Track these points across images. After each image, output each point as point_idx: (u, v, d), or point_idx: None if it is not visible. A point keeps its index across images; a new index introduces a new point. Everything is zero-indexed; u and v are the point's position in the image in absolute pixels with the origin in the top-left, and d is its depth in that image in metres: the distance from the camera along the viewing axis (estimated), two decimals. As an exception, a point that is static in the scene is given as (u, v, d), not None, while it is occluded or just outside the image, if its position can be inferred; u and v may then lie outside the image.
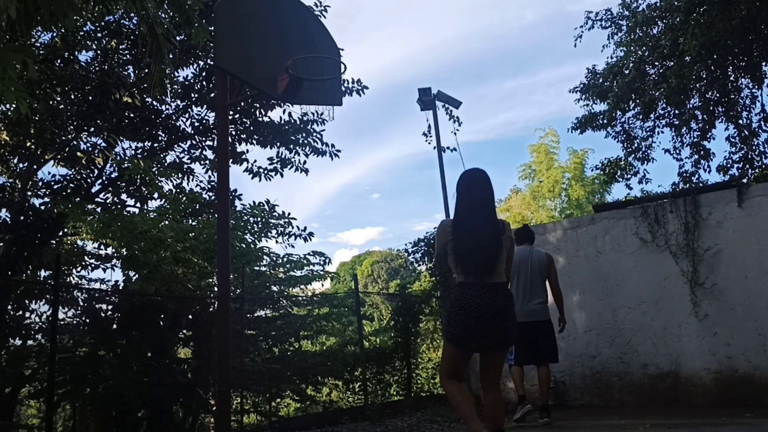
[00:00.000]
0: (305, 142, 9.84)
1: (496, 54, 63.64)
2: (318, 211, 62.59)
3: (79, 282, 8.88)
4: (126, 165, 8.40)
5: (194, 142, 10.26)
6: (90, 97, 8.68)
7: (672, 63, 10.04)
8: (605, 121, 11.96)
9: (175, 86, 9.49)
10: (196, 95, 9.75)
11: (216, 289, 6.02)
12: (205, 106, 9.87)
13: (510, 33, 60.13)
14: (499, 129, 53.74)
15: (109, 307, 6.68)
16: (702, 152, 11.55)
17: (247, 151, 10.03)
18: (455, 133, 10.19)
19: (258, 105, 9.51)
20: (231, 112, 8.02)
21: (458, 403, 3.57)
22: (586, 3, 44.63)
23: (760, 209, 6.59)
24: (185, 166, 10.19)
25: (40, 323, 6.99)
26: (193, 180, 10.23)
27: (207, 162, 10.22)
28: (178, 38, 6.92)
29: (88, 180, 9.65)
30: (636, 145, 12.06)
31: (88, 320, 6.50)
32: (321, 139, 9.89)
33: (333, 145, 9.93)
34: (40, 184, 9.55)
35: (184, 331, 7.18)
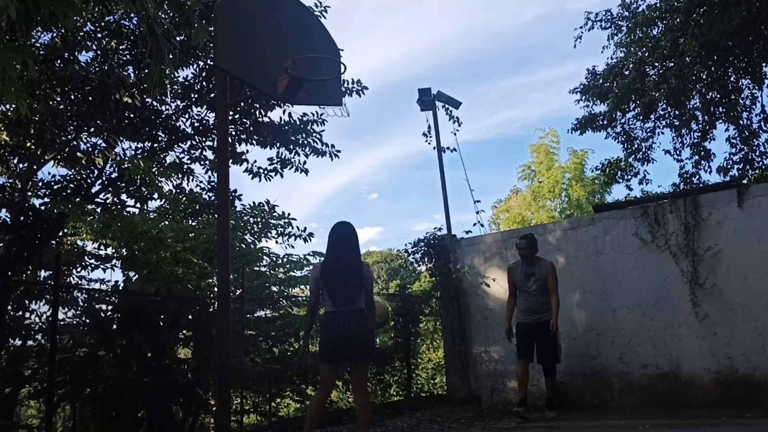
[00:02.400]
0: (305, 142, 9.84)
1: (495, 52, 63.60)
2: (317, 211, 62.51)
3: (79, 282, 8.87)
4: (126, 165, 8.40)
5: (194, 143, 10.26)
6: (90, 98, 8.68)
7: (672, 64, 10.03)
8: (605, 122, 11.95)
9: (175, 86, 9.49)
10: (196, 95, 9.75)
11: (216, 289, 6.02)
12: (205, 107, 9.87)
13: (509, 31, 60.09)
14: (498, 128, 53.72)
15: (109, 307, 6.67)
16: (702, 153, 11.55)
17: (247, 151, 10.04)
18: (455, 134, 10.14)
19: (258, 105, 9.50)
20: (231, 113, 8.02)
21: (308, 411, 4.65)
22: (585, 1, 44.62)
23: (760, 209, 6.59)
24: (185, 166, 10.20)
25: (40, 323, 6.99)
26: (193, 180, 10.24)
27: (207, 162, 10.23)
28: (178, 38, 6.92)
29: (88, 180, 9.65)
30: (636, 145, 12.04)
31: (88, 320, 6.49)
32: (321, 140, 9.89)
33: (333, 146, 9.94)
34: (40, 184, 9.55)
35: (184, 331, 7.17)
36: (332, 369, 4.61)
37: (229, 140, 6.52)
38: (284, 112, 9.65)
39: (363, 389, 4.61)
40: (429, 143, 9.66)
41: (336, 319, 4.47)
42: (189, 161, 10.28)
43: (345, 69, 5.32)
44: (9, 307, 7.55)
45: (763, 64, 10.85)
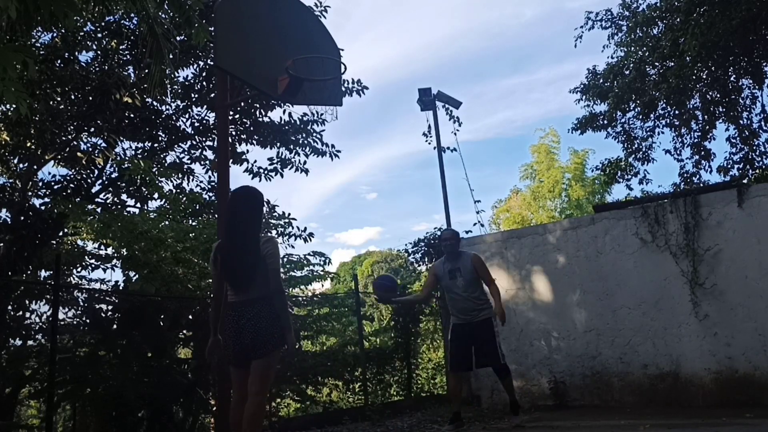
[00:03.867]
0: (305, 142, 9.84)
1: (494, 52, 63.51)
2: (316, 211, 62.45)
3: (79, 282, 8.87)
4: (126, 165, 8.40)
5: (194, 143, 10.26)
6: (90, 98, 8.68)
7: (672, 63, 10.04)
8: (605, 122, 11.95)
9: (175, 86, 9.49)
10: (196, 95, 9.75)
11: (216, 289, 6.01)
12: (205, 107, 9.87)
13: (508, 30, 60.03)
14: (498, 128, 53.66)
15: (109, 307, 6.67)
16: (702, 153, 11.56)
17: (247, 151, 10.04)
18: (455, 134, 10.15)
19: (258, 105, 9.51)
20: (231, 113, 8.02)
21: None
22: (585, 0, 44.58)
23: (760, 209, 6.59)
24: (185, 166, 10.20)
25: (40, 323, 6.99)
26: (193, 180, 10.24)
27: (207, 162, 10.23)
28: (178, 38, 6.93)
29: (88, 180, 9.65)
30: (636, 145, 12.05)
31: (88, 320, 6.50)
32: (321, 140, 9.90)
33: (333, 146, 9.94)
34: (40, 184, 9.55)
35: (184, 331, 7.17)
36: (239, 373, 3.64)
37: (229, 140, 6.52)
38: (284, 112, 9.66)
39: (251, 395, 3.52)
40: (429, 143, 9.68)
41: (231, 311, 3.62)
42: (189, 161, 10.30)
43: (345, 69, 5.33)
44: (9, 307, 7.56)
45: (763, 64, 10.86)
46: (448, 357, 6.11)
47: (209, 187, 10.17)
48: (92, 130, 9.46)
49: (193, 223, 7.98)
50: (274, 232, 8.10)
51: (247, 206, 3.75)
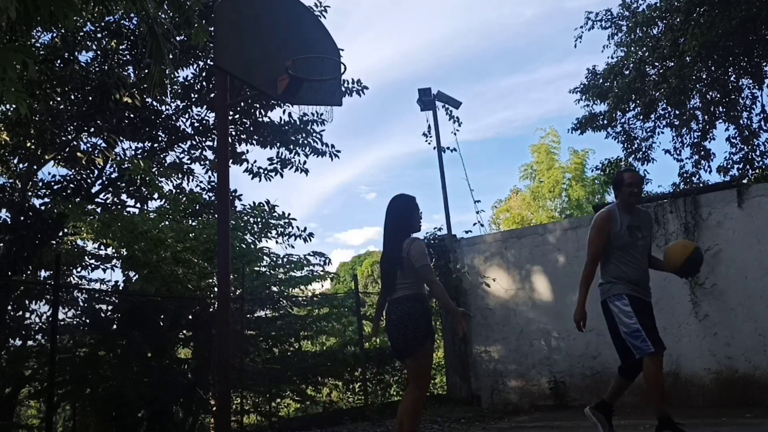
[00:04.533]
0: (305, 142, 9.84)
1: (494, 51, 63.31)
2: (315, 211, 62.30)
3: (79, 282, 8.86)
4: (126, 165, 8.40)
5: (194, 143, 10.26)
6: (90, 98, 8.68)
7: (672, 63, 10.04)
8: (605, 122, 11.95)
9: (175, 86, 9.49)
10: (196, 95, 9.75)
11: (216, 289, 6.03)
12: (205, 107, 9.87)
13: (508, 30, 59.87)
14: (497, 127, 53.52)
15: (109, 307, 6.68)
16: (702, 153, 11.55)
17: (247, 151, 10.04)
18: (455, 134, 10.14)
19: (258, 105, 9.50)
20: (231, 113, 8.03)
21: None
22: None
23: (760, 209, 6.59)
24: (185, 166, 10.20)
25: (40, 323, 7.01)
26: (193, 180, 10.24)
27: (207, 162, 10.22)
28: (178, 38, 6.92)
29: (88, 180, 9.65)
30: (636, 145, 12.05)
31: (88, 320, 6.51)
32: (321, 140, 9.89)
33: (333, 146, 9.94)
34: (40, 184, 9.56)
35: (184, 331, 7.18)
36: (404, 365, 4.05)
37: (229, 140, 6.52)
38: (284, 112, 9.66)
39: (408, 391, 3.90)
40: (429, 143, 9.67)
41: (388, 309, 3.93)
42: (189, 161, 10.30)
43: (345, 69, 5.32)
44: (9, 307, 7.56)
45: (763, 64, 10.86)
46: (643, 334, 4.20)
47: (209, 187, 10.17)
48: (92, 130, 9.47)
49: (193, 223, 7.97)
50: (273, 232, 8.09)
51: (390, 213, 4.04)
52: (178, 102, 9.96)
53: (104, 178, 9.85)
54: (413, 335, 3.73)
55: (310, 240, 8.57)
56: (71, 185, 9.47)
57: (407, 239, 3.89)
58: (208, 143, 10.24)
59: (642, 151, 12.04)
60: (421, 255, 3.83)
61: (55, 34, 8.49)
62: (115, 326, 6.53)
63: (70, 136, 9.40)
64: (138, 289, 6.69)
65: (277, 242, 8.24)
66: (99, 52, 9.14)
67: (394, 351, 3.97)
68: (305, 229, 8.46)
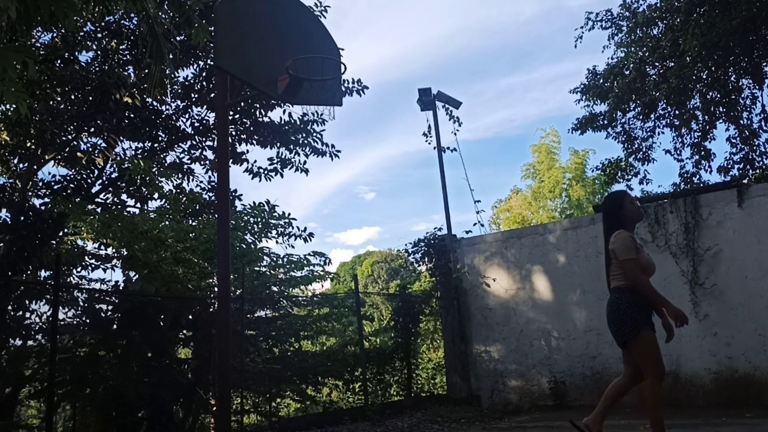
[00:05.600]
0: (305, 142, 9.84)
1: (493, 50, 63.25)
2: (315, 211, 62.29)
3: (79, 282, 8.87)
4: (126, 165, 8.40)
5: (194, 143, 10.26)
6: (90, 98, 8.68)
7: (672, 63, 10.03)
8: (605, 122, 11.94)
9: (175, 86, 9.49)
10: (196, 95, 9.75)
11: (216, 289, 6.02)
12: (205, 106, 9.87)
13: (507, 29, 59.84)
14: (497, 127, 53.50)
15: (110, 307, 6.68)
16: (703, 153, 11.53)
17: (247, 151, 10.04)
18: (455, 134, 10.16)
19: (258, 105, 9.50)
20: (231, 113, 8.02)
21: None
22: (584, -2, 44.39)
23: (760, 209, 6.59)
24: (185, 166, 10.19)
25: (40, 323, 6.99)
26: (193, 180, 10.24)
27: (207, 162, 10.23)
28: (178, 38, 6.93)
29: (88, 180, 9.65)
30: (636, 145, 12.03)
31: (88, 320, 6.50)
32: (321, 140, 9.89)
33: (333, 146, 9.94)
34: (40, 184, 9.56)
35: (184, 331, 7.18)
36: (622, 352, 4.12)
37: (229, 140, 6.52)
38: (284, 112, 9.66)
39: (629, 378, 4.06)
40: (429, 143, 9.69)
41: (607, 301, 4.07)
42: (189, 161, 10.29)
43: (345, 69, 5.31)
44: (9, 307, 7.55)
45: (763, 64, 10.85)
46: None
47: (209, 187, 10.17)
48: (92, 130, 9.46)
49: (193, 223, 7.98)
50: (273, 232, 8.09)
51: (603, 209, 4.35)
52: (178, 102, 9.96)
53: (104, 178, 9.85)
54: (624, 326, 3.89)
55: (310, 240, 8.56)
56: (71, 185, 9.47)
57: (614, 233, 4.11)
58: (208, 143, 10.25)
59: (642, 151, 12.02)
60: (622, 248, 3.99)
61: (55, 34, 8.50)
62: (115, 326, 6.53)
63: (70, 136, 9.40)
64: (138, 289, 6.69)
65: (277, 242, 8.23)
66: (99, 52, 9.14)
67: (613, 336, 4.06)
68: (305, 229, 8.46)
